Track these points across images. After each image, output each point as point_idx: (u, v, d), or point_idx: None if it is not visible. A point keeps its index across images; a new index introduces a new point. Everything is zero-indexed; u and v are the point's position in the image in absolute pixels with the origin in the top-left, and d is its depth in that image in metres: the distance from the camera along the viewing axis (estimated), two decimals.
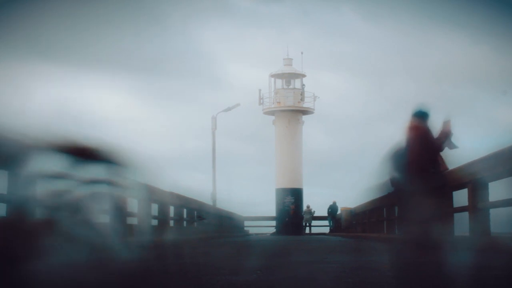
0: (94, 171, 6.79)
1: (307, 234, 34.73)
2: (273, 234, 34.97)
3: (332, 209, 34.31)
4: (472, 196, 7.84)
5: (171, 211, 13.21)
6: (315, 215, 35.65)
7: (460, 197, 8.77)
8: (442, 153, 8.98)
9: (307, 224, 35.78)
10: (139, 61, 50.64)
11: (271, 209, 36.39)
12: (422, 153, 9.04)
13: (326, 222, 35.21)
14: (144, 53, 50.88)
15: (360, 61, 54.15)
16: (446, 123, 9.05)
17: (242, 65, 57.64)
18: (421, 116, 9.32)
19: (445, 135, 8.98)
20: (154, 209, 11.23)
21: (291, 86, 36.67)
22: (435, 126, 9.33)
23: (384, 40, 54.11)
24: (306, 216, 35.44)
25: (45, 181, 6.07)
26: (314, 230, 35.71)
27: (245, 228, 34.49)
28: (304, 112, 36.30)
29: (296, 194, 35.43)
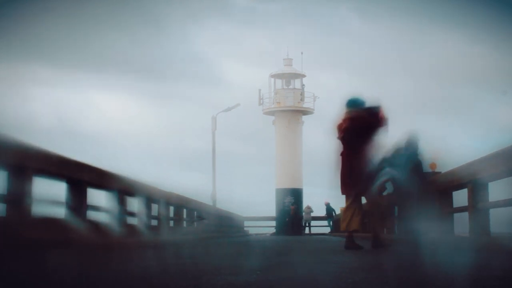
0: None
1: (307, 234, 34.64)
2: (272, 234, 34.96)
3: (328, 210, 34.31)
4: (472, 196, 7.84)
5: (171, 211, 13.23)
6: (313, 214, 35.56)
7: (460, 197, 8.76)
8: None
9: (307, 224, 35.70)
10: (138, 62, 50.73)
11: (271, 209, 36.39)
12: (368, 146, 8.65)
13: (326, 222, 35.16)
14: (143, 54, 50.94)
15: (360, 61, 54.25)
16: (378, 108, 8.74)
17: (242, 65, 57.68)
18: (357, 104, 8.88)
19: (384, 121, 8.68)
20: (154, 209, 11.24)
21: (291, 86, 36.69)
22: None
23: (384, 40, 54.16)
24: (306, 216, 35.35)
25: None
26: (314, 230, 35.68)
27: (245, 228, 34.49)
28: (304, 112, 36.32)
29: (296, 194, 35.43)
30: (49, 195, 6.78)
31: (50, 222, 6.57)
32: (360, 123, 8.79)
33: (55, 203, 7.08)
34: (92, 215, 7.92)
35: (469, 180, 7.85)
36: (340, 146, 9.08)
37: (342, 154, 9.08)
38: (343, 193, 9.09)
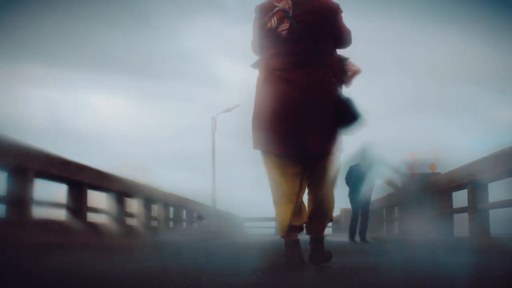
0: None
1: None
2: (273, 235, 34.98)
3: None
4: (472, 197, 7.85)
5: (171, 212, 13.25)
6: None
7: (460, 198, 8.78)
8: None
9: None
10: (136, 62, 50.69)
11: (270, 210, 36.34)
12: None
13: None
14: (141, 55, 50.91)
15: (358, 60, 54.16)
16: None
17: (242, 66, 57.72)
18: None
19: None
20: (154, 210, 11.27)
21: None
22: None
23: (382, 38, 54.14)
24: None
25: None
26: None
27: (245, 229, 34.50)
28: None
29: None
30: (49, 196, 6.79)
31: (50, 224, 6.57)
32: (311, 4, 4.38)
33: (55, 204, 7.09)
34: (92, 216, 7.93)
35: (469, 180, 7.86)
36: (266, 49, 4.37)
37: (265, 68, 4.37)
38: (261, 148, 4.57)
